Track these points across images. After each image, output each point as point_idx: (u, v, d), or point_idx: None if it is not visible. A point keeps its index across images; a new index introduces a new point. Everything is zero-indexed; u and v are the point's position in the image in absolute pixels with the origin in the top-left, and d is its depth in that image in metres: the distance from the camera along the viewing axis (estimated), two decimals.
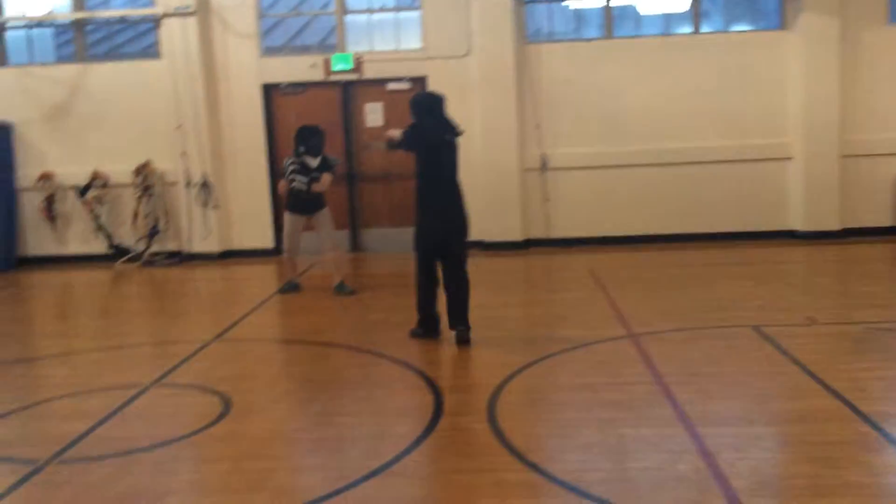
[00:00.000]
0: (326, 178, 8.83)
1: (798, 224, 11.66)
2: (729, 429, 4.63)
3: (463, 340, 6.60)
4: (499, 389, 5.45)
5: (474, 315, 6.92)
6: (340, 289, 8.97)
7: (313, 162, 8.78)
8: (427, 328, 6.91)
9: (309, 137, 8.80)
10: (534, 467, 4.19)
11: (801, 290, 8.73)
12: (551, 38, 12.00)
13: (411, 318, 7.03)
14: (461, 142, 6.92)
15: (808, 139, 11.41)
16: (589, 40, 11.84)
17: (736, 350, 6.24)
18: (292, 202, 8.91)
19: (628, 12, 12.07)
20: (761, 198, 11.76)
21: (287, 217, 9.02)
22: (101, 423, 5.12)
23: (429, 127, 6.63)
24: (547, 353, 6.30)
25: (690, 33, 11.82)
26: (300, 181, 8.72)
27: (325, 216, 9.00)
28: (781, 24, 11.64)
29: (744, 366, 5.84)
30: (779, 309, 7.50)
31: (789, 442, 4.51)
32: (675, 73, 11.66)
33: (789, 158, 11.67)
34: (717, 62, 11.62)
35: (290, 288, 9.22)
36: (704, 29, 11.85)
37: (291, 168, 8.75)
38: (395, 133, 6.84)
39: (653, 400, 5.14)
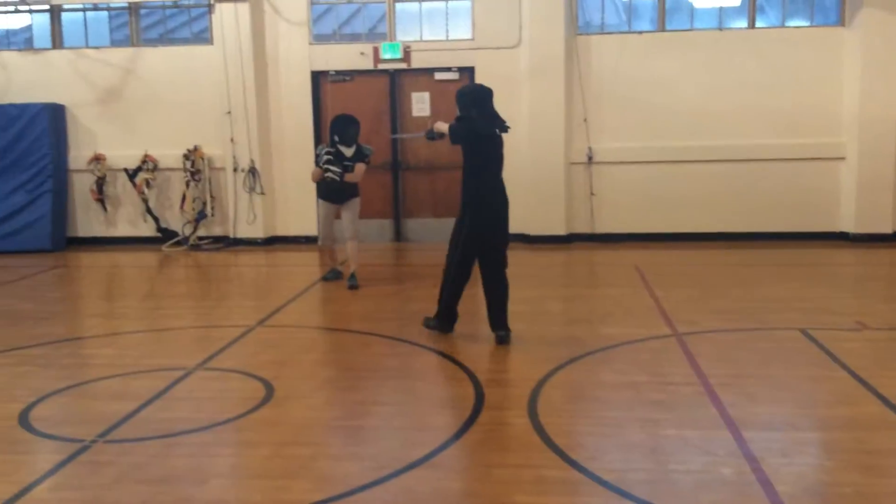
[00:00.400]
0: (360, 167, 8.80)
1: (849, 226, 11.42)
2: (774, 433, 4.55)
3: (503, 342, 6.46)
4: (540, 385, 5.41)
5: (517, 308, 6.89)
6: (349, 279, 8.93)
7: (348, 151, 8.76)
8: (444, 323, 6.79)
9: (344, 127, 8.76)
10: (574, 465, 4.16)
11: (851, 293, 8.55)
12: (602, 30, 11.87)
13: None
14: (505, 136, 6.79)
15: (862, 139, 11.16)
16: (640, 33, 11.68)
17: (783, 353, 6.13)
18: (324, 190, 8.94)
19: (682, 5, 11.90)
20: (812, 198, 11.54)
21: (320, 204, 9.08)
22: (146, 404, 5.19)
23: (478, 120, 6.49)
24: (590, 350, 6.25)
25: (745, 28, 11.61)
26: (334, 172, 8.70)
27: (353, 205, 8.98)
28: (839, 20, 11.39)
29: (791, 369, 5.74)
30: (828, 312, 7.35)
31: (836, 449, 4.41)
32: (728, 68, 11.47)
33: (842, 158, 11.43)
34: (771, 58, 11.41)
35: (333, 276, 9.24)
36: (760, 24, 11.63)
37: (326, 158, 8.72)
38: (443, 126, 6.75)
39: (697, 401, 5.07)
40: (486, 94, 6.64)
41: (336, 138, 8.76)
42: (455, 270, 6.67)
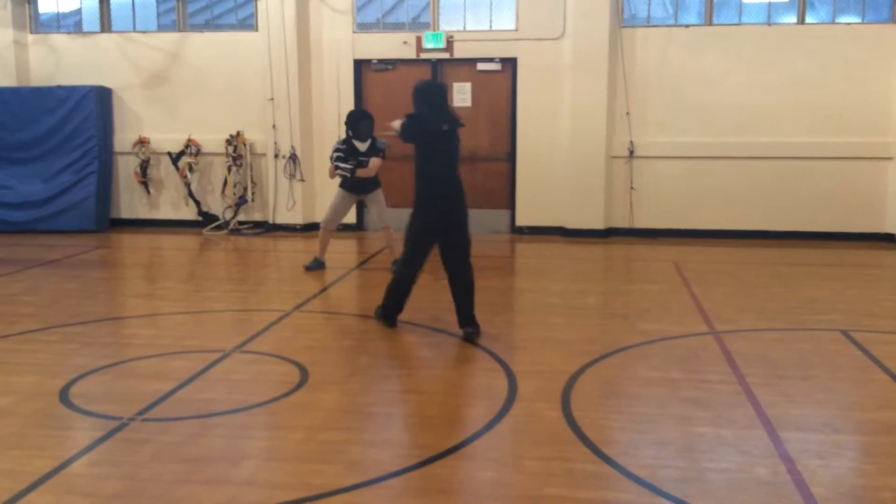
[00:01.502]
0: (375, 162, 8.72)
1: (895, 228, 11.20)
2: (812, 435, 4.48)
3: (470, 339, 6.32)
4: (574, 378, 5.39)
5: (553, 301, 6.85)
6: (394, 264, 8.87)
7: (362, 146, 8.72)
8: (388, 315, 6.71)
9: (357, 121, 8.76)
10: (606, 459, 4.14)
11: (894, 296, 8.39)
12: (648, 22, 11.74)
13: (487, 299, 7.00)
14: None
15: None
16: (687, 26, 11.54)
17: (823, 354, 6.04)
18: (344, 181, 8.93)
19: None
20: (857, 198, 11.34)
21: (338, 192, 9.05)
22: (183, 384, 5.26)
23: (426, 117, 6.40)
24: (625, 345, 6.21)
25: (794, 23, 11.42)
26: (343, 168, 8.68)
27: (377, 196, 9.02)
28: (892, 16, 11.15)
29: (831, 371, 5.65)
30: (870, 314, 7.23)
31: (875, 453, 4.33)
32: (776, 64, 11.28)
33: (890, 158, 11.21)
34: (820, 54, 11.21)
35: (316, 265, 9.21)
36: (809, 19, 11.42)
37: (336, 155, 8.71)
38: (396, 123, 6.70)
39: (733, 400, 5.02)
40: (437, 90, 6.59)
41: (350, 133, 8.77)
42: (405, 266, 6.58)
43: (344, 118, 9.14)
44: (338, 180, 8.94)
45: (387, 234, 9.05)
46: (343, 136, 9.04)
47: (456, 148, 6.54)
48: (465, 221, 6.51)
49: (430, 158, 6.43)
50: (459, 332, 6.46)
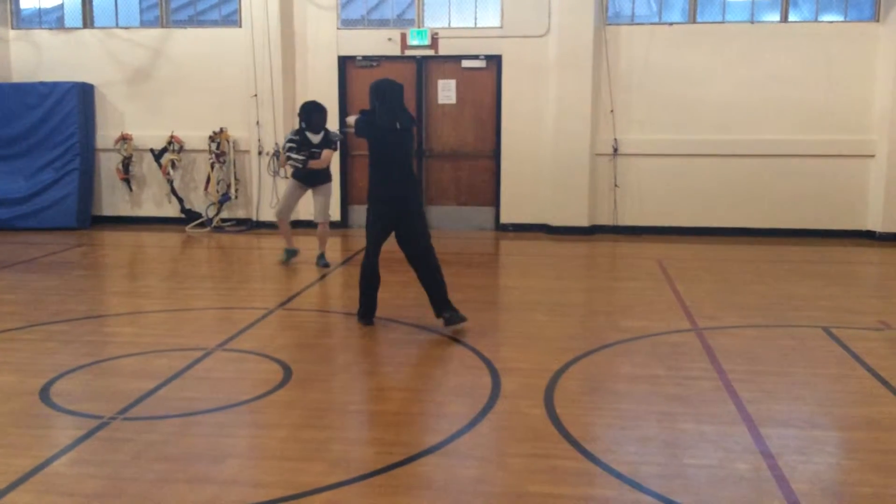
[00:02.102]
0: (327, 154, 8.90)
1: (876, 225, 11.30)
2: (792, 430, 4.51)
3: (453, 323, 6.40)
4: (558, 375, 5.41)
5: (536, 298, 6.85)
6: (319, 261, 9.22)
7: (315, 138, 8.85)
8: (364, 312, 6.74)
9: (311, 113, 8.86)
10: (589, 456, 4.15)
11: (875, 293, 8.47)
12: (632, 20, 11.77)
13: (471, 296, 7.02)
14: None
15: (893, 137, 11.04)
16: (671, 24, 11.58)
17: (804, 350, 6.08)
18: (295, 172, 9.06)
19: None
20: (840, 195, 11.42)
21: (289, 182, 9.21)
22: (165, 383, 5.23)
23: (379, 114, 6.54)
24: (608, 342, 6.23)
25: (777, 21, 11.48)
26: (295, 160, 8.80)
27: (325, 189, 9.14)
28: (874, 15, 11.22)
29: (811, 367, 5.69)
30: (851, 311, 7.28)
31: (855, 448, 4.37)
32: (759, 62, 11.35)
33: (872, 156, 11.30)
34: (803, 52, 11.28)
35: (289, 256, 9.45)
36: (793, 17, 11.49)
37: (288, 146, 8.82)
38: (350, 119, 6.87)
39: (715, 396, 5.05)
40: (392, 88, 6.67)
41: (303, 125, 8.87)
42: (367, 261, 6.65)
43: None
44: (290, 171, 9.04)
45: (323, 228, 9.23)
46: (296, 127, 9.20)
47: (409, 145, 6.73)
48: (418, 212, 6.64)
49: (381, 154, 6.61)
50: (442, 329, 6.47)
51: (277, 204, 9.41)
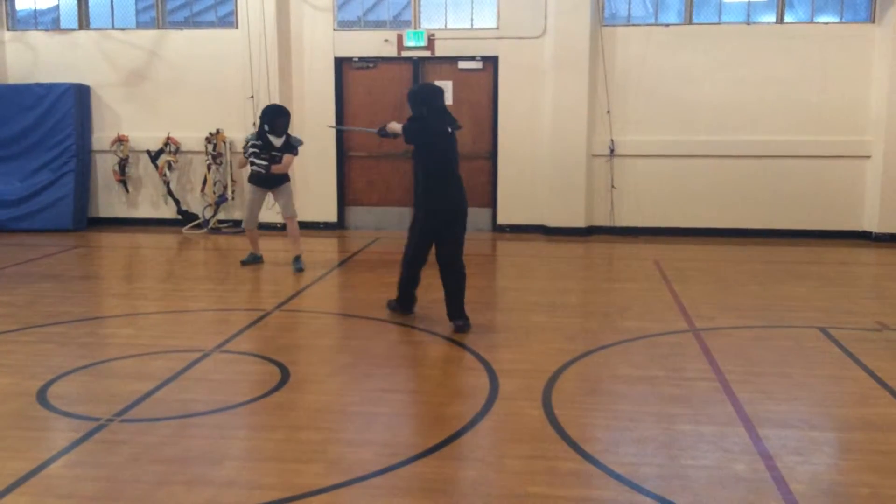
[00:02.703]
0: (288, 158, 8.87)
1: (873, 225, 11.31)
2: (790, 431, 4.51)
3: (462, 331, 6.50)
4: (556, 376, 5.41)
5: (534, 299, 6.85)
6: (295, 263, 9.13)
7: (277, 142, 8.80)
8: (404, 306, 7.00)
9: (275, 117, 8.78)
10: (588, 457, 4.15)
11: (872, 293, 8.48)
12: (628, 21, 11.78)
13: (469, 298, 7.00)
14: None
15: (889, 138, 11.04)
16: (667, 25, 11.59)
17: (801, 351, 6.08)
18: (254, 177, 9.02)
19: None
20: (835, 196, 11.44)
21: (249, 189, 9.20)
22: (162, 385, 5.22)
23: (430, 119, 6.59)
24: (606, 343, 6.24)
25: (773, 23, 11.49)
26: (259, 165, 8.79)
27: (286, 189, 9.11)
28: (870, 16, 11.25)
29: (809, 368, 5.69)
30: (848, 312, 7.29)
31: (853, 449, 4.38)
32: (755, 63, 11.36)
33: (868, 157, 11.32)
34: (799, 54, 11.30)
35: (252, 260, 9.42)
36: (788, 19, 11.50)
37: (251, 150, 8.80)
38: (396, 126, 6.88)
39: (713, 397, 5.05)
40: (436, 92, 6.79)
41: (266, 128, 8.79)
42: (413, 257, 6.77)
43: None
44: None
45: (291, 224, 9.17)
46: (256, 130, 9.06)
47: (456, 149, 6.71)
48: (465, 219, 6.72)
49: (435, 159, 6.59)
50: (440, 330, 6.48)
51: (245, 217, 9.33)
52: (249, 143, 8.85)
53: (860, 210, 11.45)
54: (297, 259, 9.13)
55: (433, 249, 6.71)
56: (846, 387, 5.33)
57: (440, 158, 6.59)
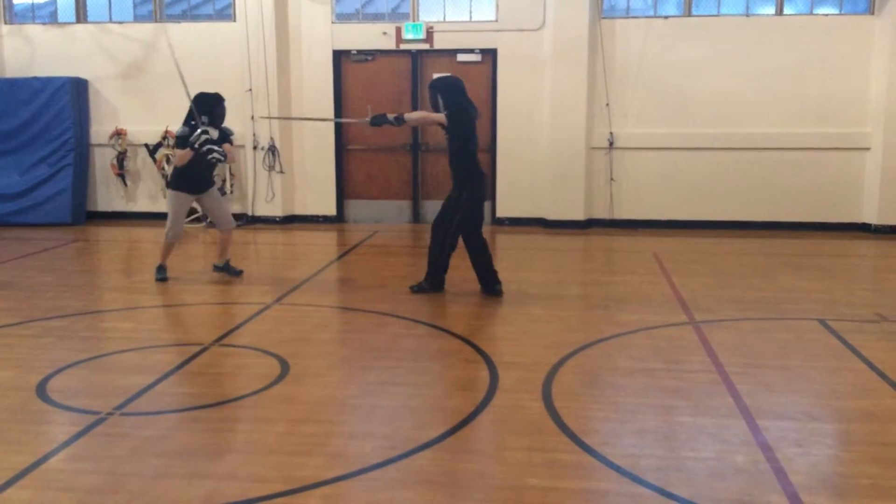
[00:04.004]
0: (231, 148, 8.05)
1: (872, 217, 11.31)
2: (790, 423, 4.52)
3: (500, 294, 7.46)
4: (555, 369, 5.41)
5: (533, 292, 6.84)
6: (226, 269, 8.39)
7: (214, 133, 7.88)
8: (436, 286, 7.62)
9: (215, 106, 7.95)
10: (587, 449, 4.15)
11: (871, 285, 8.48)
12: (627, 13, 11.75)
13: (468, 290, 7.04)
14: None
15: (888, 129, 11.04)
16: (666, 18, 11.57)
17: (800, 343, 6.09)
18: (181, 180, 8.04)
19: None
20: (835, 188, 11.44)
21: (174, 196, 8.07)
22: (162, 378, 5.22)
23: (470, 108, 7.39)
24: (605, 336, 6.24)
25: (773, 14, 11.47)
26: (218, 153, 7.82)
27: (215, 193, 8.36)
28: (869, 8, 11.23)
29: (808, 360, 5.69)
30: (847, 303, 7.29)
31: (853, 441, 4.38)
32: (754, 55, 11.35)
33: (867, 149, 11.31)
34: (798, 45, 11.28)
35: (163, 276, 8.30)
36: (788, 10, 11.48)
37: (205, 138, 7.71)
38: (432, 115, 7.54)
39: (712, 389, 5.05)
40: (461, 84, 7.57)
41: (204, 119, 7.83)
42: (450, 242, 7.44)
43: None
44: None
45: (227, 234, 8.37)
46: (192, 122, 7.92)
47: None
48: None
49: (473, 144, 7.42)
50: (440, 323, 6.51)
51: (170, 227, 8.08)
52: (200, 133, 7.70)
53: (859, 202, 11.44)
54: (227, 264, 8.39)
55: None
56: (846, 378, 5.33)
57: (475, 144, 7.45)
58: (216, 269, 8.47)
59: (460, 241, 7.50)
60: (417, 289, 7.62)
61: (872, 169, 11.26)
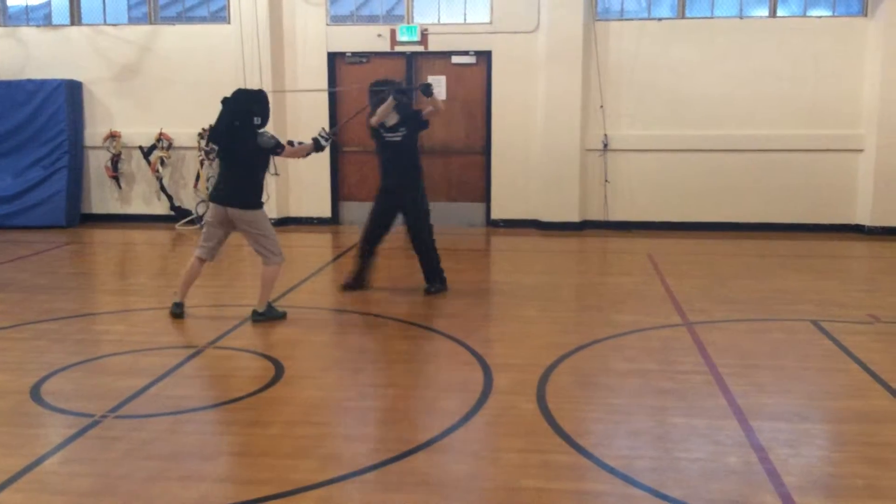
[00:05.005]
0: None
1: (865, 219, 11.34)
2: (783, 424, 4.53)
3: (434, 293, 7.65)
4: (549, 370, 5.41)
5: (527, 294, 6.87)
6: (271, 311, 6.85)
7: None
8: (444, 281, 7.81)
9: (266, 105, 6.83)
10: (581, 451, 4.16)
11: (864, 286, 8.51)
12: (622, 16, 11.77)
13: (463, 292, 7.04)
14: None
15: (881, 131, 11.07)
16: (660, 20, 11.59)
17: (794, 344, 6.10)
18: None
19: None
20: (828, 190, 11.47)
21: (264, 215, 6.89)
22: (156, 381, 5.21)
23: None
24: (600, 337, 6.25)
25: (766, 16, 11.50)
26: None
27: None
28: (862, 10, 11.27)
29: (801, 360, 5.71)
30: (840, 305, 7.31)
31: (845, 441, 4.39)
32: (748, 57, 11.37)
33: (860, 150, 11.34)
34: (791, 47, 11.31)
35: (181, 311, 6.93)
36: (781, 12, 11.51)
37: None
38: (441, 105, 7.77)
39: (706, 390, 5.06)
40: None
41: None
42: (432, 234, 7.85)
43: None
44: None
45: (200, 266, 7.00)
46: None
47: None
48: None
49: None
50: (434, 325, 6.50)
51: (277, 250, 6.82)
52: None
53: (853, 203, 11.47)
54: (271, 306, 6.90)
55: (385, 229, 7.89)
56: (838, 379, 5.35)
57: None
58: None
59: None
60: (435, 290, 7.64)
61: (865, 170, 11.30)
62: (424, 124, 7.68)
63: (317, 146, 6.88)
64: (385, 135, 7.49)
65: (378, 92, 7.59)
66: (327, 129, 6.98)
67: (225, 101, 6.67)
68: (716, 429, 4.44)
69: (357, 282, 7.79)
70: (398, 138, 7.49)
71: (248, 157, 6.58)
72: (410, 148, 7.56)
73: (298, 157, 7.24)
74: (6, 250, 10.17)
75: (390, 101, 7.34)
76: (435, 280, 7.71)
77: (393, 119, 7.46)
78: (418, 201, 7.60)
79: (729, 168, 11.55)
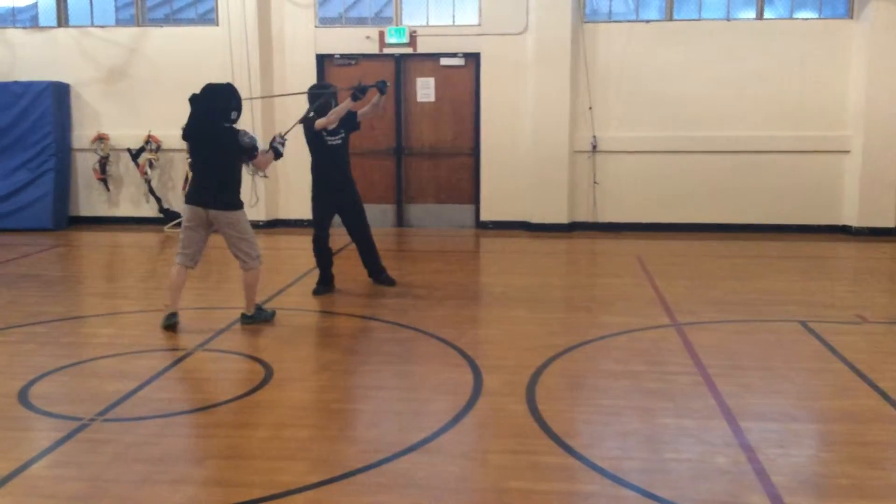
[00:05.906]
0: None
1: (852, 220, 11.41)
2: (771, 424, 4.55)
3: (385, 284, 7.99)
4: (539, 372, 5.42)
5: (516, 295, 6.87)
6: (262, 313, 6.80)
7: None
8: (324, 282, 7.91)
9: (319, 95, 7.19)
10: (571, 452, 4.16)
11: (851, 286, 8.55)
12: (610, 18, 11.81)
13: (452, 294, 7.03)
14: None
15: (867, 133, 11.14)
16: (648, 22, 11.63)
17: (782, 344, 6.13)
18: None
19: None
20: (815, 191, 11.53)
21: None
22: (144, 384, 5.20)
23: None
24: (589, 338, 6.26)
25: (753, 19, 11.56)
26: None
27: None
28: (848, 12, 11.33)
29: (789, 361, 5.73)
30: (828, 305, 7.35)
31: (833, 441, 4.42)
32: (735, 59, 11.42)
33: (847, 152, 11.41)
34: (778, 49, 11.37)
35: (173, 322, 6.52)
36: (768, 15, 11.57)
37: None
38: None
39: (695, 391, 5.08)
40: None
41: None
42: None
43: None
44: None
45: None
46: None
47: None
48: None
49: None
50: (423, 327, 6.50)
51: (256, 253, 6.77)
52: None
53: (840, 204, 11.54)
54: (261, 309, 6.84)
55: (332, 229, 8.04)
56: (826, 379, 5.37)
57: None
58: None
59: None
60: (392, 282, 8.00)
61: (852, 172, 11.36)
62: (358, 126, 7.91)
63: (276, 154, 6.81)
64: (328, 138, 7.64)
65: (318, 95, 7.64)
66: (281, 134, 6.91)
67: (196, 98, 6.58)
68: (705, 429, 4.46)
69: (324, 286, 7.88)
70: (339, 141, 7.73)
71: (227, 155, 6.50)
72: (346, 150, 7.78)
73: (263, 168, 7.04)
74: None
75: (348, 101, 7.37)
76: (381, 272, 8.07)
77: (334, 122, 7.44)
78: (358, 201, 7.91)
79: (717, 169, 11.59)
